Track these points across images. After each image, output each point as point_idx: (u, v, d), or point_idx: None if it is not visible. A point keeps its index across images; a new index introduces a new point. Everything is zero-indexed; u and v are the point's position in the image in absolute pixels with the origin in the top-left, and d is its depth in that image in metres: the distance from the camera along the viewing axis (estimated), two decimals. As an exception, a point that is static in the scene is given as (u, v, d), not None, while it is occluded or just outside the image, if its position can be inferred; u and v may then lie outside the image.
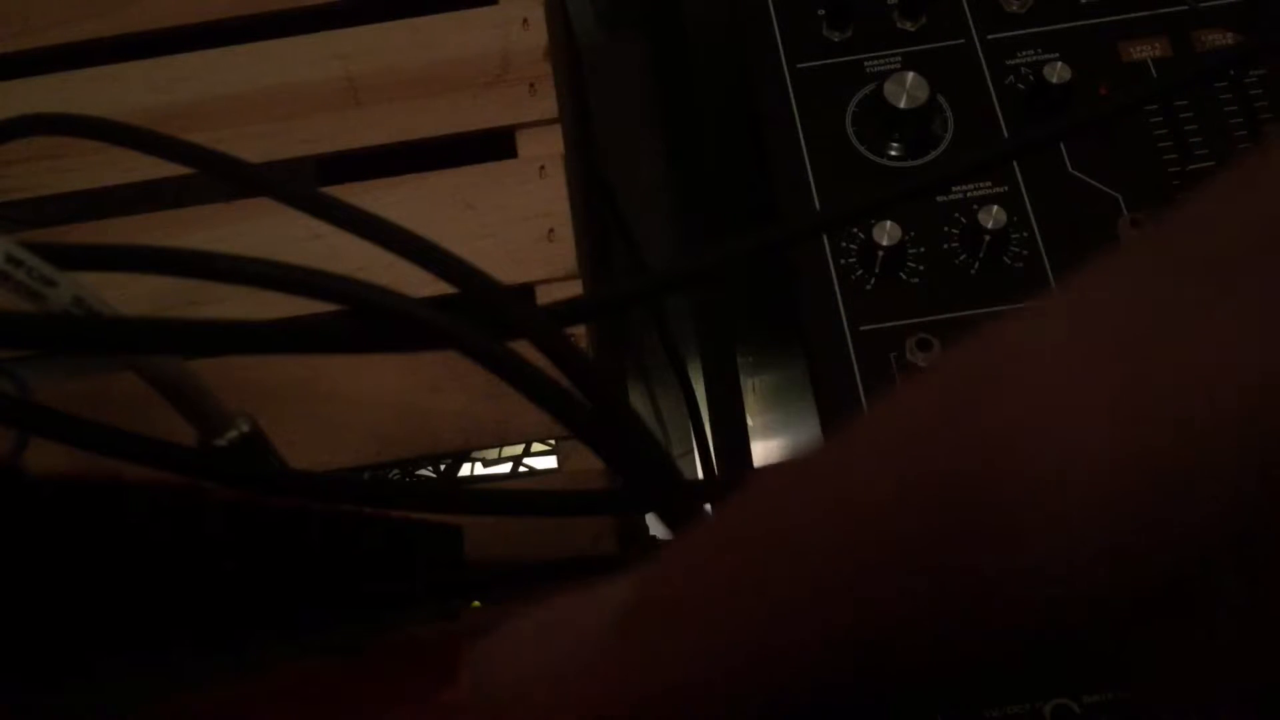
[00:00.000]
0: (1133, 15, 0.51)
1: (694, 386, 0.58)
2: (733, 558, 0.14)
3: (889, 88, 0.49)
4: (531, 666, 0.15)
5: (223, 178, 0.33)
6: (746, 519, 0.14)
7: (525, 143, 0.47)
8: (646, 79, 0.71)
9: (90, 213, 0.47)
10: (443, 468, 0.49)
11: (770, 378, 0.52)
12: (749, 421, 0.53)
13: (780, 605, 0.13)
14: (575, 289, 0.43)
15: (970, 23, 0.52)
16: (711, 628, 0.14)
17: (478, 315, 0.26)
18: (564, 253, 0.44)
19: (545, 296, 0.43)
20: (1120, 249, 0.13)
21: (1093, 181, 0.49)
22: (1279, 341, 0.11)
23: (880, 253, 0.47)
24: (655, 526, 0.48)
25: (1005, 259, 0.48)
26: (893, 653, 0.13)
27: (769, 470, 0.14)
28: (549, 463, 0.49)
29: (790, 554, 0.13)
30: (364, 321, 0.26)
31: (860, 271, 0.48)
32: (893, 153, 0.50)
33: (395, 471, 0.44)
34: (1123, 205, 0.48)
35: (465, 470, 0.51)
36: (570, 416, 0.25)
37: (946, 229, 0.48)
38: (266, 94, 0.47)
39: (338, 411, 0.42)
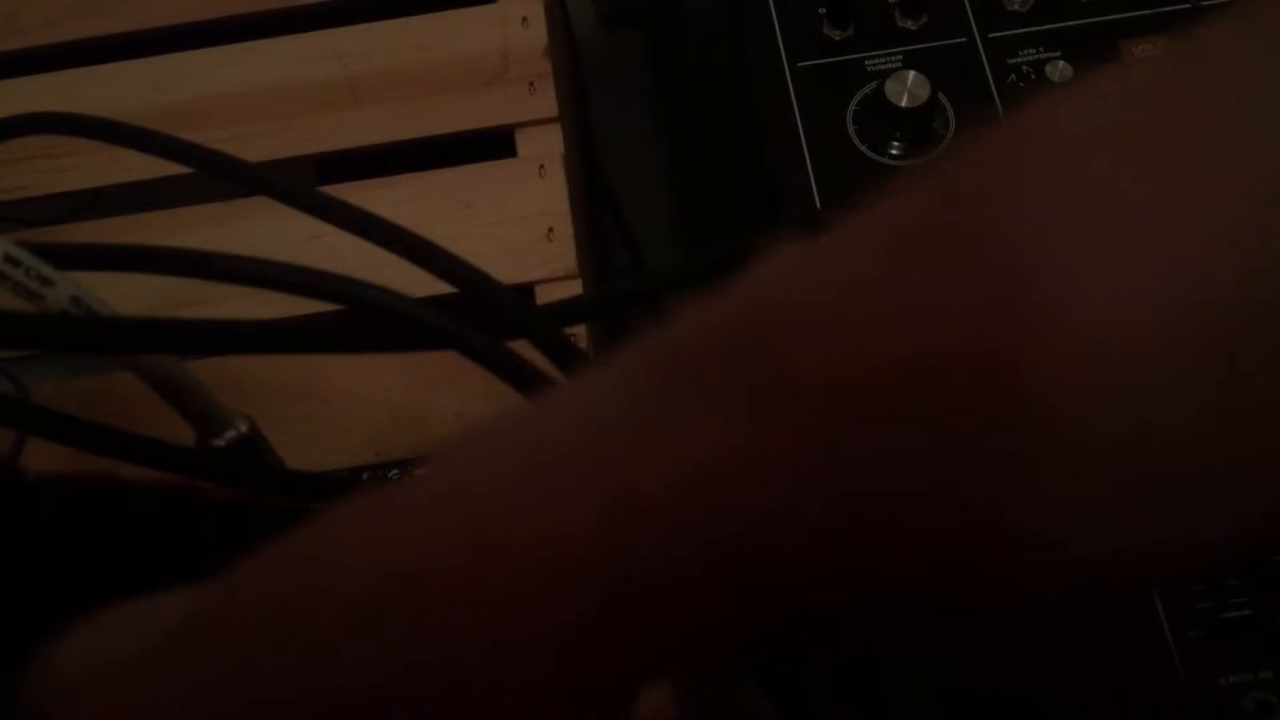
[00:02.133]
0: (1135, 14, 0.51)
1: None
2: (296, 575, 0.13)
3: (890, 86, 0.48)
4: (91, 659, 0.14)
5: (223, 178, 0.33)
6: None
7: (525, 142, 0.47)
8: (646, 79, 0.71)
9: (90, 213, 0.47)
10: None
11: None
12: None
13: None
14: (575, 289, 0.43)
15: (972, 21, 0.52)
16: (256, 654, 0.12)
17: (477, 315, 0.26)
18: (564, 253, 0.44)
19: (545, 296, 0.43)
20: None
21: (1094, 181, 0.49)
22: None
23: (881, 252, 0.47)
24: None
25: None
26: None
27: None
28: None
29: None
30: (364, 321, 0.25)
31: (861, 271, 0.48)
32: (894, 152, 0.50)
33: (395, 471, 0.44)
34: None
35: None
36: (571, 416, 0.25)
37: (947, 228, 0.48)
38: (266, 94, 0.47)
39: (338, 411, 0.41)
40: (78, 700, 0.13)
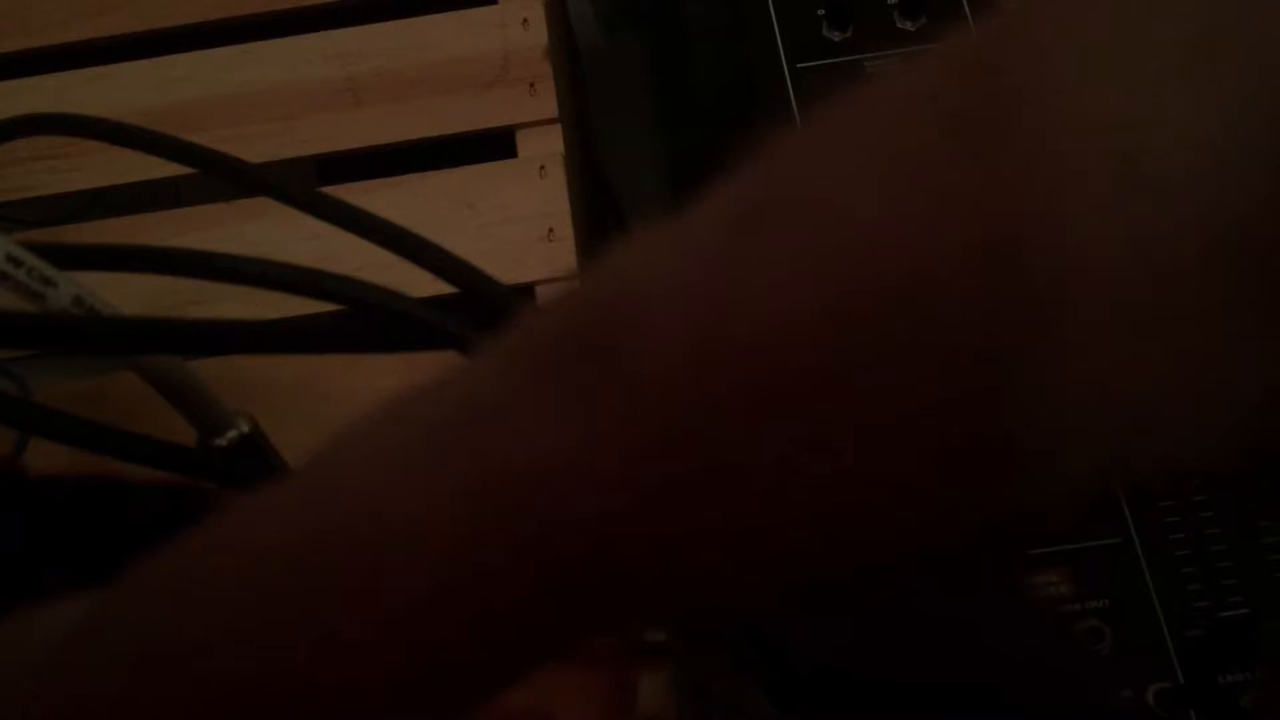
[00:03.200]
0: (1133, 15, 0.51)
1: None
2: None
3: (889, 88, 0.48)
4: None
5: (223, 178, 0.33)
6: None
7: (525, 143, 0.47)
8: (646, 79, 0.71)
9: (90, 213, 0.47)
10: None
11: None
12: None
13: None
14: (575, 289, 0.43)
15: (970, 23, 0.52)
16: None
17: (478, 315, 0.26)
18: (564, 253, 0.44)
19: (545, 296, 0.43)
20: None
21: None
22: None
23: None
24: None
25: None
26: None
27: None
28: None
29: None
30: (364, 321, 0.26)
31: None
32: (893, 153, 0.50)
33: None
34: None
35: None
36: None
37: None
38: (266, 94, 0.47)
39: (338, 411, 0.41)
40: None
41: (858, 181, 0.11)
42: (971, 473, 0.11)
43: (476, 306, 0.27)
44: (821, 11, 0.53)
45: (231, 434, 0.31)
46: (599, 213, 0.57)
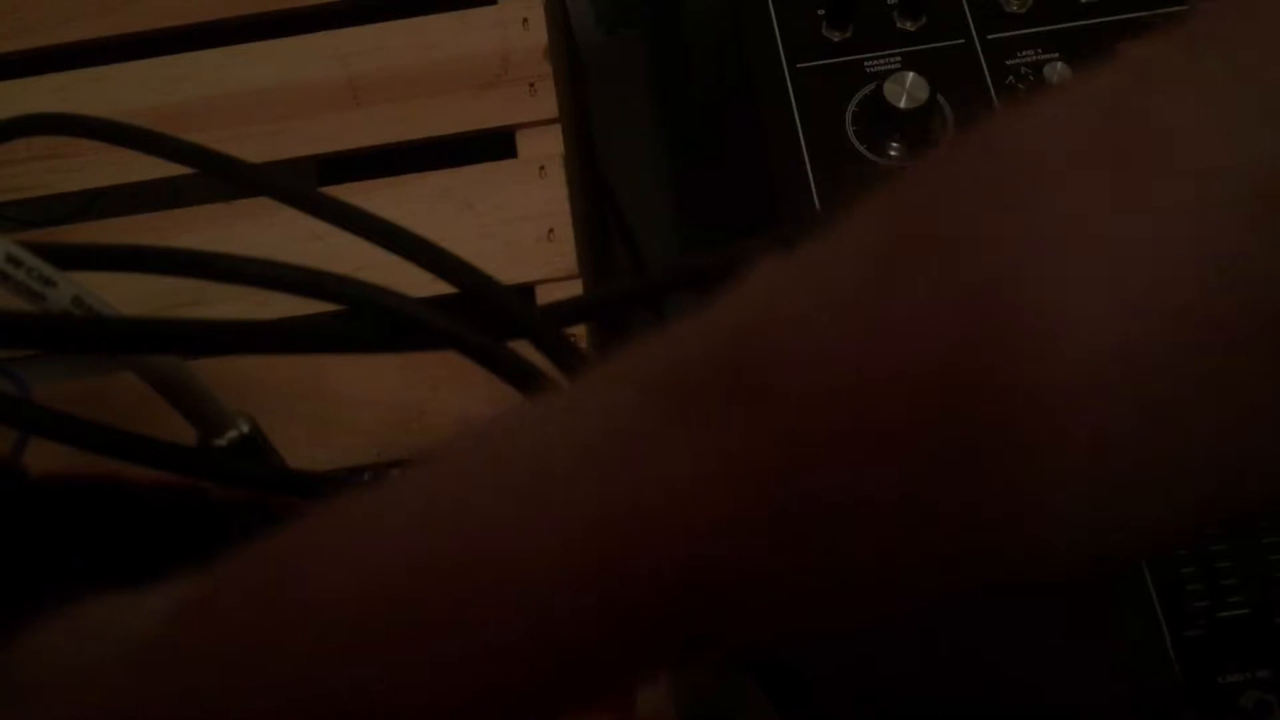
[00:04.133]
0: (1133, 15, 0.51)
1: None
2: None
3: (889, 88, 0.48)
4: (68, 651, 0.14)
5: (223, 178, 0.33)
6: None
7: (525, 143, 0.47)
8: (646, 79, 0.71)
9: (90, 213, 0.47)
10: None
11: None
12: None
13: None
14: (575, 289, 0.43)
15: (970, 23, 0.52)
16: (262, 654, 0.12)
17: (478, 315, 0.26)
18: (564, 253, 0.44)
19: (545, 296, 0.43)
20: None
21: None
22: None
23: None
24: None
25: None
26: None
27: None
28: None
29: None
30: (364, 321, 0.26)
31: (860, 271, 0.48)
32: (893, 153, 0.50)
33: (395, 471, 0.44)
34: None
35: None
36: (570, 416, 0.25)
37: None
38: (266, 94, 0.47)
39: (338, 411, 0.42)
40: (48, 691, 0.13)
41: (1018, 239, 0.11)
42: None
43: (476, 306, 0.27)
44: (821, 11, 0.53)
45: (231, 434, 0.31)
46: (599, 213, 0.57)
